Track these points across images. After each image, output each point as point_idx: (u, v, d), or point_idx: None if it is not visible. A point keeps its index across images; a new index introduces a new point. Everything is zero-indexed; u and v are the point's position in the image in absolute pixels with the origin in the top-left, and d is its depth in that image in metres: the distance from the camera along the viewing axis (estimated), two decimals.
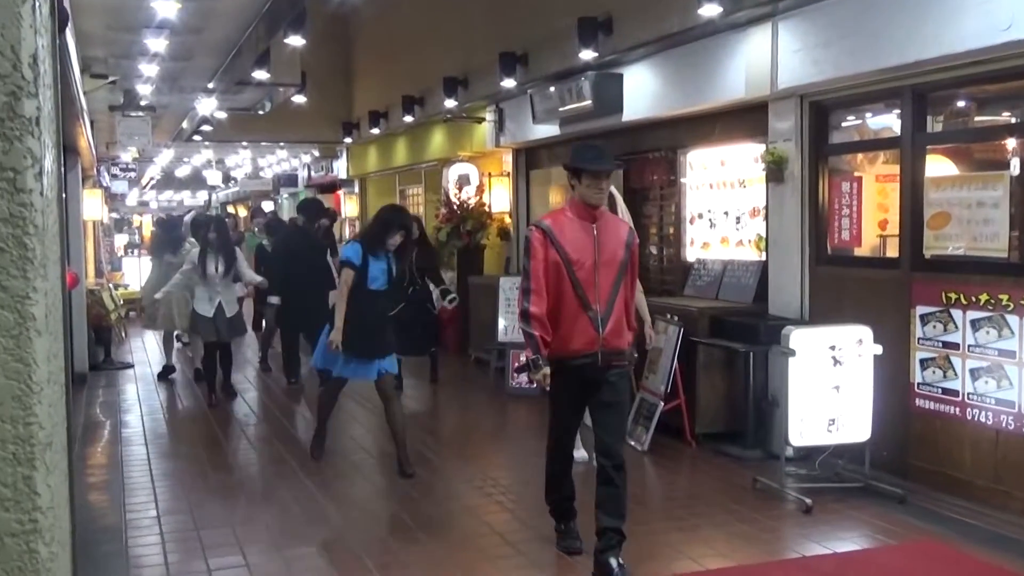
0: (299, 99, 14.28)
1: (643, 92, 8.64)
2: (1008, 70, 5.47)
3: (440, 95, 11.77)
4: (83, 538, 4.45)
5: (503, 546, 5.15)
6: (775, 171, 7.11)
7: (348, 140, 17.54)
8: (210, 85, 11.65)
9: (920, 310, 6.00)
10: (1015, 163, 5.47)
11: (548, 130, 10.29)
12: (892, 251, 6.51)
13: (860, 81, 6.38)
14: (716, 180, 8.53)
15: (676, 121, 8.53)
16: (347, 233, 18.81)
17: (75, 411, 7.70)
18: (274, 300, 9.94)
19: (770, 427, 6.69)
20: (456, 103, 11.67)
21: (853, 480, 6.01)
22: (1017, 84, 5.66)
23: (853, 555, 4.99)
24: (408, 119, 13.43)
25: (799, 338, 5.84)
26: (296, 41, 8.86)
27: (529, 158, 11.86)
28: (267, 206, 26.44)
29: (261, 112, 16.07)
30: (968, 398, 5.71)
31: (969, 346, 5.69)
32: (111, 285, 14.24)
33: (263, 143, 20.75)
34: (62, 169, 2.77)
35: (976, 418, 5.66)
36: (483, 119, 11.98)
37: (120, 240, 26.18)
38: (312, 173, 22.73)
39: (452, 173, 12.76)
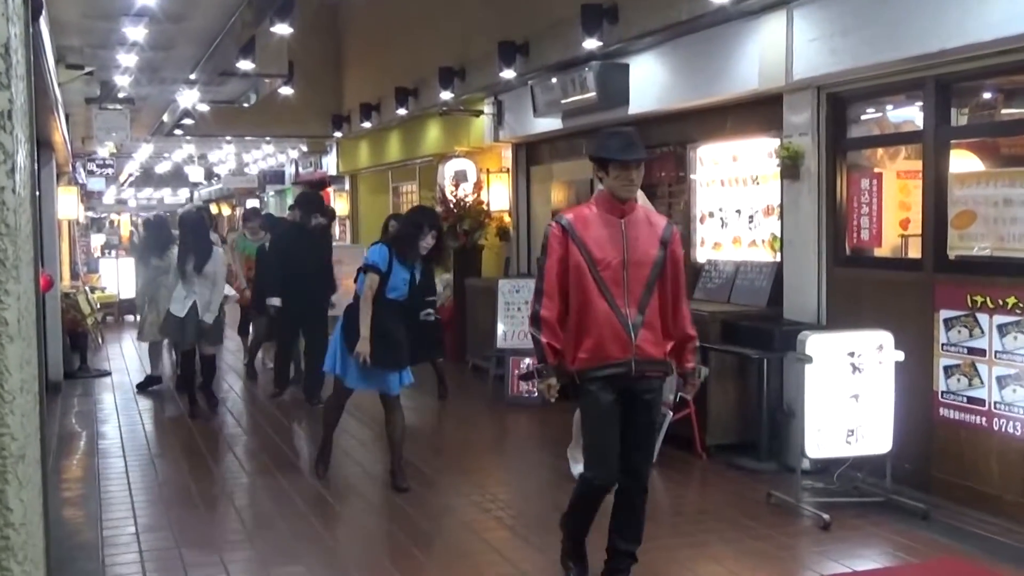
0: (286, 91, 14.27)
1: (650, 83, 8.64)
2: None
3: (435, 87, 11.77)
4: (58, 556, 4.44)
5: (502, 564, 5.14)
6: (790, 167, 7.11)
7: (338, 134, 17.55)
8: (192, 76, 11.64)
9: (944, 314, 6.00)
10: None
11: (550, 124, 10.29)
12: (914, 252, 6.50)
13: (880, 72, 6.38)
14: (728, 177, 8.53)
15: (685, 114, 8.53)
16: (337, 233, 18.79)
17: (49, 421, 7.68)
18: (275, 302, 9.48)
19: (785, 438, 6.69)
20: (452, 95, 11.67)
21: (873, 494, 6.01)
22: None
23: (873, 574, 4.98)
24: (402, 112, 13.43)
25: (816, 344, 5.84)
26: (283, 29, 8.86)
27: (530, 153, 11.86)
28: (251, 204, 26.42)
29: (246, 105, 16.06)
30: (995, 407, 5.71)
31: (996, 352, 5.69)
32: (87, 288, 14.25)
33: (248, 138, 20.75)
34: (36, 165, 2.77)
35: (1004, 428, 5.66)
36: (481, 112, 11.99)
37: (97, 240, 26.24)
38: (300, 169, 22.73)
39: (448, 169, 12.76)
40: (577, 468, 5.95)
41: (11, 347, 2.04)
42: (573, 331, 4.40)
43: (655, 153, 9.14)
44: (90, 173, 21.99)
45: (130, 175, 32.35)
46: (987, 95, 6.20)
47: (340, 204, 19.76)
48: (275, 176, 24.90)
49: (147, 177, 34.07)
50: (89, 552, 5.39)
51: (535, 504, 6.33)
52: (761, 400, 6.91)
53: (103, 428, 8.65)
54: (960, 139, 6.24)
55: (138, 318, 11.20)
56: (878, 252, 6.84)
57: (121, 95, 12.60)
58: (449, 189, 12.30)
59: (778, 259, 7.69)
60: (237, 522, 6.01)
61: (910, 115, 6.70)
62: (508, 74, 10.08)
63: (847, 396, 5.85)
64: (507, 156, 12.13)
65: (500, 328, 9.71)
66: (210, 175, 31.08)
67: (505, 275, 11.23)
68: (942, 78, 6.05)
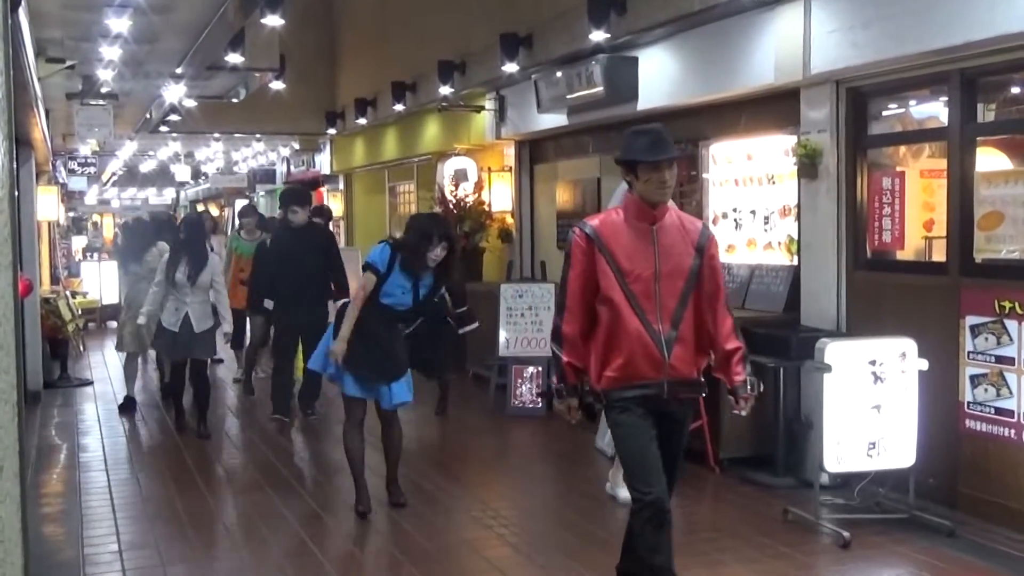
0: (277, 85, 14.31)
1: (660, 78, 8.65)
2: None
3: (434, 81, 11.79)
4: (37, 574, 4.44)
5: None
6: (808, 165, 7.11)
7: (332, 131, 17.58)
8: (178, 70, 11.66)
9: (970, 320, 5.99)
10: None
11: (554, 120, 10.30)
12: (939, 255, 6.50)
13: (903, 65, 6.39)
14: (742, 176, 8.53)
15: (697, 110, 8.53)
16: None
17: (28, 433, 7.67)
18: (269, 305, 9.20)
19: (803, 451, 6.68)
20: (452, 90, 11.69)
21: (896, 511, 5.99)
22: None
23: None
24: (399, 108, 13.45)
25: (835, 352, 5.83)
26: (274, 21, 8.87)
27: (533, 151, 11.88)
28: (239, 204, 26.45)
29: (235, 100, 16.11)
30: None
31: None
32: (68, 293, 14.26)
33: (237, 135, 20.79)
34: (14, 164, 2.77)
35: None
36: (482, 108, 12.00)
37: (79, 243, 26.28)
38: (292, 168, 22.76)
39: (448, 168, 12.77)
40: (623, 494, 5.80)
41: None
42: (600, 347, 4.23)
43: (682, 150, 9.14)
44: (71, 172, 22.04)
45: (113, 174, 32.39)
46: (1015, 90, 6.21)
47: (334, 205, 19.79)
48: (265, 175, 24.90)
49: (131, 176, 34.10)
50: (70, 570, 5.38)
51: (539, 521, 6.33)
52: (777, 411, 6.90)
53: (84, 440, 8.66)
54: (987, 136, 6.24)
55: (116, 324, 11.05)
56: (900, 255, 6.83)
57: (104, 90, 12.63)
58: (449, 189, 12.32)
59: (795, 262, 7.68)
60: (225, 540, 6.00)
61: (934, 111, 6.71)
62: (511, 68, 10.09)
63: (868, 407, 5.84)
64: (509, 154, 12.15)
65: (502, 335, 9.70)
66: (197, 174, 31.10)
67: (507, 279, 11.23)
68: (968, 72, 6.05)
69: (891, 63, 6.41)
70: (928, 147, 6.89)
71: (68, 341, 11.90)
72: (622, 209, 4.29)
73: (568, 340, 4.25)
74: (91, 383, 11.58)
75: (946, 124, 6.30)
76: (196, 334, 8.55)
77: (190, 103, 14.73)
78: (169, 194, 41.95)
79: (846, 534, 5.61)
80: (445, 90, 11.68)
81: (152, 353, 10.79)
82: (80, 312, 14.24)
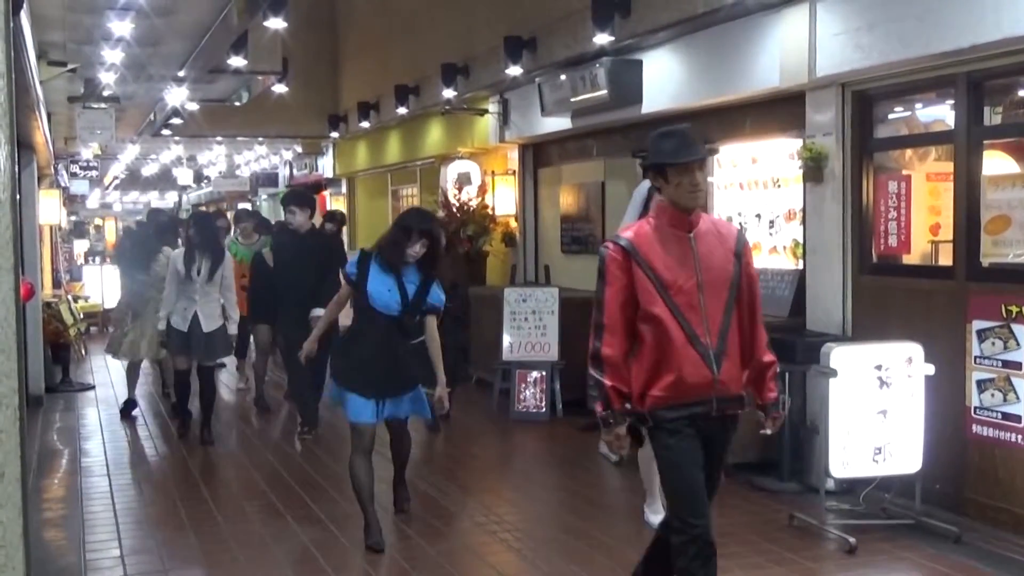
0: (280, 89, 14.34)
1: (665, 81, 8.65)
2: None
3: (438, 84, 11.79)
4: None
5: None
6: (813, 169, 7.10)
7: (335, 135, 17.58)
8: (180, 73, 11.71)
9: (977, 325, 5.98)
10: None
11: (558, 123, 10.31)
12: (945, 259, 6.50)
13: (909, 68, 6.38)
14: (747, 179, 8.53)
15: (702, 113, 8.53)
16: None
17: (30, 438, 7.67)
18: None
19: (808, 457, 6.67)
20: (455, 93, 11.69)
21: (902, 516, 5.99)
22: None
23: None
24: (402, 111, 13.45)
25: (841, 356, 5.83)
26: (277, 24, 8.90)
27: (537, 155, 11.88)
28: (242, 207, 26.48)
29: (237, 103, 16.17)
30: None
31: None
32: (70, 297, 14.29)
33: (239, 138, 20.82)
34: (16, 167, 2.78)
35: None
36: (486, 111, 12.00)
37: (80, 247, 26.31)
38: (294, 171, 22.78)
39: (451, 171, 12.77)
40: (656, 518, 5.62)
41: None
42: (644, 367, 3.98)
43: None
44: (73, 176, 22.08)
45: (115, 178, 32.49)
46: (1022, 92, 6.20)
47: (337, 208, 19.81)
48: (268, 179, 24.93)
49: (133, 180, 34.21)
50: (72, 575, 5.40)
51: (543, 526, 6.32)
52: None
53: (86, 445, 8.67)
54: (994, 139, 6.23)
55: (112, 330, 10.83)
56: (907, 259, 6.83)
57: (106, 93, 12.67)
58: (452, 192, 12.31)
59: (800, 266, 7.68)
60: (228, 545, 6.00)
61: (941, 114, 6.70)
62: (514, 71, 10.10)
63: (874, 412, 5.84)
64: (513, 157, 12.14)
65: (506, 339, 9.70)
66: (199, 178, 31.17)
67: (511, 283, 11.23)
68: (975, 75, 6.05)
69: (897, 66, 6.40)
70: (934, 150, 6.88)
71: (70, 345, 11.92)
72: (653, 218, 4.06)
73: (610, 363, 3.94)
74: (93, 387, 11.58)
75: (952, 127, 6.30)
76: (206, 333, 8.48)
77: (192, 106, 14.79)
78: (171, 198, 42.01)
79: (852, 540, 5.60)
80: (448, 93, 11.69)
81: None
82: (82, 316, 14.26)
